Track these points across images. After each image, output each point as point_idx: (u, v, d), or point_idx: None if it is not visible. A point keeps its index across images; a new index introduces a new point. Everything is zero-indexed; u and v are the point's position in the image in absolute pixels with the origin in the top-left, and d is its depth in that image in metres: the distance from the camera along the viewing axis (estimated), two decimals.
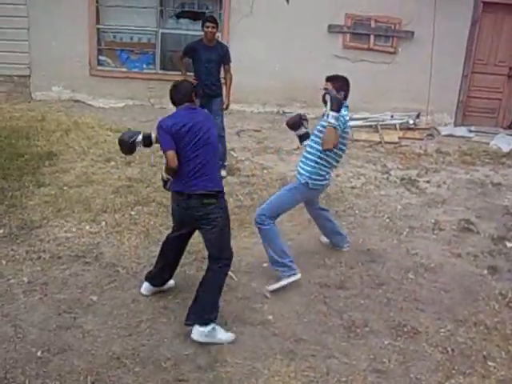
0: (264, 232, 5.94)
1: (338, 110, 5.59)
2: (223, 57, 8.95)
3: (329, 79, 5.91)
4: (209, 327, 4.98)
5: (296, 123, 6.38)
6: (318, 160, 5.87)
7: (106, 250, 6.42)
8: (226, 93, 9.04)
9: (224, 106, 9.00)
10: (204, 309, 5.04)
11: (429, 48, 11.73)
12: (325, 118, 5.69)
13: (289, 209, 6.20)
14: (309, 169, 5.90)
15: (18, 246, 6.36)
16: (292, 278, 5.89)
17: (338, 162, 6.08)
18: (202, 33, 8.79)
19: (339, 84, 5.83)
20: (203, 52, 8.71)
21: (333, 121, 5.57)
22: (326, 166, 5.92)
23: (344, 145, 5.97)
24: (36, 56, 12.36)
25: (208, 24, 8.68)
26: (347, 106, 5.89)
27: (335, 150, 5.78)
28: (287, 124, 6.45)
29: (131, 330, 5.10)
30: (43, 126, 10.37)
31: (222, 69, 9.03)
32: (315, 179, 5.91)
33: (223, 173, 8.90)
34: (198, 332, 4.98)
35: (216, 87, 8.88)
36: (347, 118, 5.85)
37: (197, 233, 5.43)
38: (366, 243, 6.87)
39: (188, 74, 9.09)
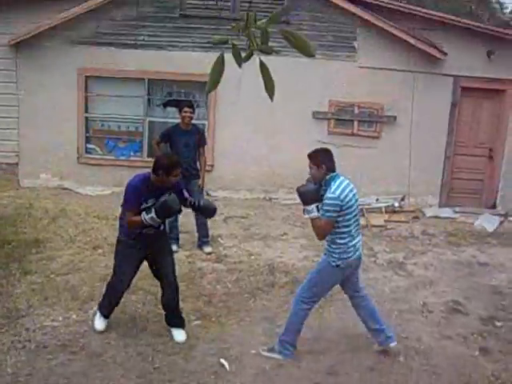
0: (295, 317, 6.01)
1: (308, 203, 5.62)
2: (199, 140, 9.19)
3: (308, 157, 5.84)
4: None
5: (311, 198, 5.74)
6: (339, 238, 5.72)
7: (93, 338, 6.33)
8: (201, 175, 9.17)
9: (200, 189, 9.15)
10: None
11: (410, 132, 11.96)
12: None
13: (325, 292, 6.13)
14: (334, 249, 5.76)
15: (2, 335, 6.27)
16: (282, 357, 6.00)
17: (358, 230, 5.89)
18: (179, 120, 9.18)
19: (317, 160, 5.74)
20: (181, 136, 8.97)
21: (306, 215, 5.72)
22: (350, 241, 5.75)
23: (352, 217, 5.72)
24: (24, 144, 12.54)
25: (186, 109, 8.98)
26: (333, 178, 5.68)
27: (350, 227, 5.71)
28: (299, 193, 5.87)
29: None
30: (30, 214, 10.39)
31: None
32: (344, 258, 5.74)
33: (208, 249, 9.04)
34: None
35: (194, 169, 9.11)
36: (339, 191, 5.57)
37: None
38: (356, 328, 6.80)
39: None
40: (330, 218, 5.57)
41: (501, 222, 11.90)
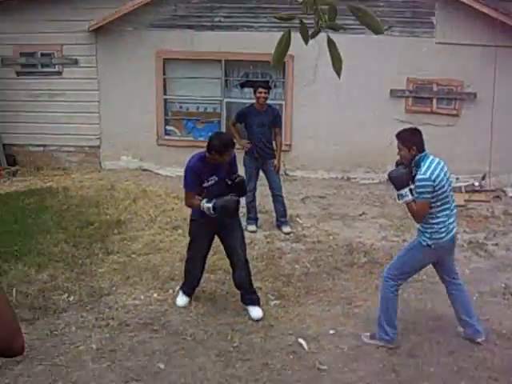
0: (384, 296, 5.94)
1: (400, 188, 5.58)
2: (274, 120, 9.23)
3: (397, 137, 5.72)
4: None
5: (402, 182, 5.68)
6: (432, 218, 5.59)
7: (174, 317, 6.48)
8: (277, 155, 9.20)
9: (275, 169, 9.21)
10: None
11: (491, 109, 11.65)
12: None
13: (413, 271, 6.01)
14: (426, 229, 5.64)
15: (87, 313, 6.49)
16: (385, 343, 5.90)
17: (454, 210, 5.76)
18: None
19: (407, 141, 5.60)
20: (255, 117, 9.05)
21: (400, 201, 5.67)
22: (444, 221, 5.60)
23: (446, 197, 5.56)
24: (106, 127, 12.83)
25: (261, 90, 9.07)
26: (423, 160, 5.52)
27: (446, 206, 5.58)
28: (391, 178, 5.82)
29: None
30: (112, 195, 10.66)
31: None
32: (436, 238, 5.62)
33: (287, 229, 9.11)
34: None
35: (269, 149, 9.19)
36: (430, 172, 5.43)
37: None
38: (434, 309, 6.73)
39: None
40: (424, 199, 5.46)
41: None
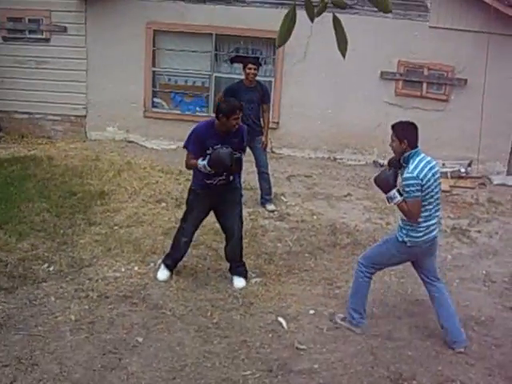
0: (355, 280, 5.91)
1: (388, 190, 5.52)
2: (263, 96, 9.20)
3: (392, 128, 5.56)
4: None
5: (388, 185, 5.61)
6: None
7: (154, 291, 6.45)
8: (265, 132, 9.18)
9: (263, 146, 9.22)
10: None
11: (481, 96, 11.63)
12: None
13: (386, 263, 5.92)
14: (404, 225, 5.57)
15: (67, 284, 6.45)
16: (353, 328, 5.88)
17: (438, 212, 5.63)
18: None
19: (400, 133, 5.46)
20: (244, 93, 8.93)
21: (390, 203, 5.63)
22: (424, 221, 5.49)
23: (431, 197, 5.44)
24: (92, 97, 12.69)
25: (250, 66, 9.02)
26: (412, 157, 5.43)
27: (428, 206, 5.45)
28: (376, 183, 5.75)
29: (175, 374, 5.09)
30: (97, 166, 10.57)
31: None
32: (413, 236, 5.52)
33: (271, 207, 9.13)
34: None
35: (257, 126, 9.16)
36: (418, 170, 5.34)
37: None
38: (414, 294, 6.74)
39: None
40: (415, 198, 5.36)
41: None
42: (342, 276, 7.06)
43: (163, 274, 6.75)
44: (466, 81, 12.01)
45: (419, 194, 5.34)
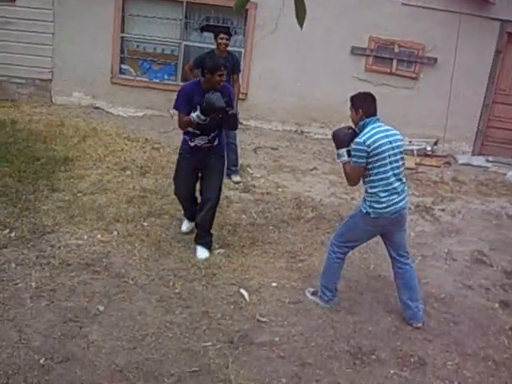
0: (327, 260, 5.91)
1: (340, 147, 5.56)
2: (234, 66, 9.12)
3: (350, 99, 5.65)
4: None
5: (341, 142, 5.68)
6: (371, 187, 5.51)
7: (116, 259, 6.40)
8: (235, 102, 9.11)
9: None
10: None
11: (450, 75, 11.69)
12: None
13: (357, 239, 5.86)
14: (367, 197, 5.57)
15: (28, 251, 6.35)
16: (322, 303, 5.93)
17: (399, 182, 5.54)
18: (215, 46, 9.05)
19: (355, 103, 5.55)
20: None
21: (338, 160, 5.67)
22: (384, 191, 5.47)
23: (384, 165, 5.40)
24: (59, 61, 12.45)
25: (222, 36, 8.89)
26: (367, 125, 5.47)
27: (384, 175, 5.43)
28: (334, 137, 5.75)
29: (136, 343, 5.07)
30: (61, 131, 10.41)
31: None
32: (376, 207, 5.50)
33: (237, 178, 9.17)
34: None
35: None
36: (366, 137, 5.37)
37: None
38: (377, 269, 6.81)
39: None
40: (356, 164, 5.40)
41: None
42: (306, 250, 7.08)
43: (185, 225, 7.23)
44: (436, 60, 12.05)
45: (363, 161, 5.37)
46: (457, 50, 11.62)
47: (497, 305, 6.41)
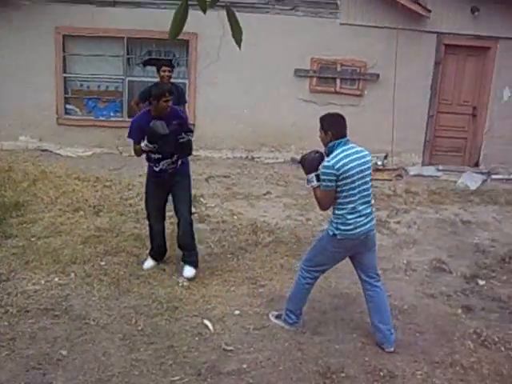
0: (296, 284, 5.87)
1: (309, 172, 5.51)
2: (179, 98, 9.13)
3: (319, 120, 5.55)
4: None
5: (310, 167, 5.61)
6: (338, 209, 5.47)
7: (76, 301, 6.28)
8: None
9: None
10: None
11: (393, 90, 11.88)
12: None
13: (326, 262, 5.76)
14: (333, 219, 5.53)
15: None
16: (287, 326, 5.91)
17: (366, 204, 5.50)
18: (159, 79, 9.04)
19: (323, 124, 5.47)
20: None
21: (307, 185, 5.62)
22: (351, 213, 5.43)
23: (352, 189, 5.37)
24: (2, 105, 12.31)
25: (164, 68, 8.97)
26: (336, 147, 5.38)
27: (352, 198, 5.38)
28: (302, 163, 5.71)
29: None
30: (10, 176, 10.25)
31: None
32: (342, 229, 5.46)
33: None
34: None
35: None
36: (335, 161, 5.29)
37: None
38: (338, 288, 6.82)
39: None
40: (326, 188, 5.34)
41: (483, 181, 11.95)
42: (266, 274, 7.07)
43: (148, 263, 7.17)
44: (378, 75, 12.27)
45: (332, 184, 5.30)
46: (397, 65, 11.83)
47: (459, 310, 6.48)
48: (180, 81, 12.02)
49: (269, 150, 12.45)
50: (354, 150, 5.42)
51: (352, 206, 5.39)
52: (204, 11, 2.82)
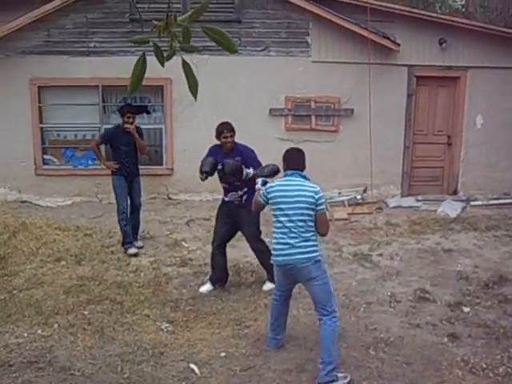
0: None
1: (260, 175, 6.49)
2: (140, 137, 9.40)
3: None
4: None
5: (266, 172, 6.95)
6: (272, 233, 5.95)
7: (60, 353, 6.21)
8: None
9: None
10: None
11: (368, 123, 12.00)
12: None
13: (278, 284, 6.12)
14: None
15: None
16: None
17: (291, 234, 5.66)
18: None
19: (283, 157, 6.02)
20: (122, 137, 9.17)
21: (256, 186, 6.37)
22: (276, 239, 5.82)
23: (276, 216, 5.75)
24: None
25: (129, 115, 9.18)
26: (284, 176, 5.96)
27: (277, 225, 5.80)
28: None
29: None
30: None
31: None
32: (272, 253, 5.92)
33: (140, 243, 9.37)
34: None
35: (136, 168, 9.38)
36: (269, 185, 5.96)
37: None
38: None
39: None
40: (260, 197, 6.02)
41: (463, 208, 12.01)
42: (250, 315, 7.04)
43: (205, 287, 7.81)
44: (352, 110, 12.39)
45: (262, 200, 6.01)
46: (371, 99, 11.96)
47: (446, 339, 6.47)
48: (157, 126, 12.14)
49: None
50: (290, 183, 5.81)
51: (278, 231, 5.78)
52: (162, 64, 2.88)
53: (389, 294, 7.71)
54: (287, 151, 6.02)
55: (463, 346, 6.33)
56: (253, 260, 8.87)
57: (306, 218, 5.64)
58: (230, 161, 7.48)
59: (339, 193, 12.09)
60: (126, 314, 7.01)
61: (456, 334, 6.57)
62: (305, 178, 5.82)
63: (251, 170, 7.40)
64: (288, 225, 5.65)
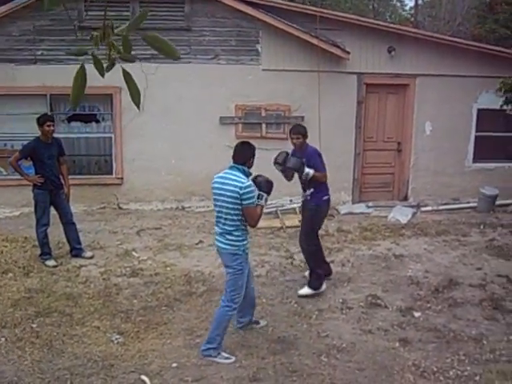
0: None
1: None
2: (60, 150, 9.24)
3: None
4: None
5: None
6: None
7: (7, 368, 6.06)
8: (66, 183, 9.29)
9: (66, 198, 9.31)
10: None
11: (318, 130, 12.05)
12: None
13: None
14: None
15: None
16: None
17: (218, 223, 6.31)
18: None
19: None
20: (44, 150, 9.00)
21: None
22: None
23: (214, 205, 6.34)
24: None
25: (49, 123, 8.99)
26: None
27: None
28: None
29: None
30: None
31: None
32: None
33: (89, 253, 9.34)
34: None
35: (59, 180, 9.20)
36: (213, 181, 6.29)
37: None
38: (276, 331, 6.78)
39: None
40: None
41: (413, 214, 12.16)
42: (201, 324, 6.96)
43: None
44: (303, 118, 12.43)
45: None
46: (321, 106, 12.03)
47: (397, 344, 6.53)
48: (106, 135, 12.01)
49: (199, 198, 12.41)
50: (224, 175, 6.19)
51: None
52: (102, 75, 2.85)
53: (340, 300, 7.74)
54: (236, 146, 6.36)
55: (414, 350, 6.40)
56: (204, 269, 8.84)
57: (231, 211, 6.07)
58: (294, 157, 7.90)
59: (290, 200, 12.10)
60: (75, 326, 6.89)
61: (407, 338, 6.63)
62: (243, 171, 6.11)
63: (311, 171, 7.81)
64: (217, 215, 6.24)
